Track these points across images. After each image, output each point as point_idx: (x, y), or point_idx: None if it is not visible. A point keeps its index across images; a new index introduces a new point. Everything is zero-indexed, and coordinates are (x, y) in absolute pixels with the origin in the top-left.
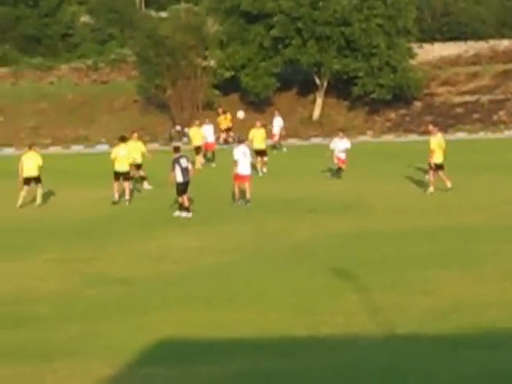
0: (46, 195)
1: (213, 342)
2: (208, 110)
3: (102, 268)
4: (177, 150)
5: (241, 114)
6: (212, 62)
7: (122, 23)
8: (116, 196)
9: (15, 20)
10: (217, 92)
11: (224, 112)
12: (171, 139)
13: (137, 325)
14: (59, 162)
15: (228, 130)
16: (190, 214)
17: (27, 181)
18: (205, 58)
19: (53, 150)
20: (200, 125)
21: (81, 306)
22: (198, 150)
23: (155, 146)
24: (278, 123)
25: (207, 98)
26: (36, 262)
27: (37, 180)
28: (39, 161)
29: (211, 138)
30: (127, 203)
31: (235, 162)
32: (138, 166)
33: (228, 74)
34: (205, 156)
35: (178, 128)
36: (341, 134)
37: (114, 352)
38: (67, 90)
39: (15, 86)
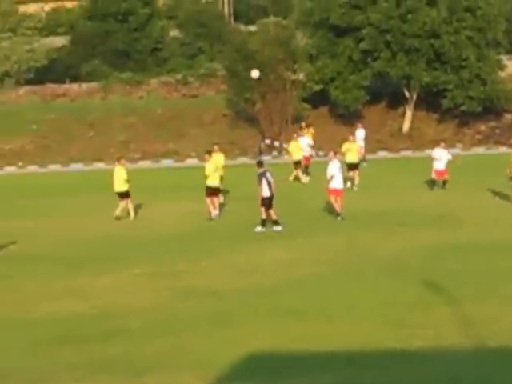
0: (137, 209)
1: (303, 355)
2: (298, 123)
3: (192, 281)
4: (260, 164)
5: (255, 74)
6: (301, 76)
7: (210, 37)
8: (215, 212)
9: (105, 35)
10: (306, 105)
11: (307, 126)
12: (260, 153)
13: (227, 338)
14: (149, 176)
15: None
16: (279, 228)
17: (119, 196)
18: (294, 71)
19: (143, 164)
20: (297, 138)
21: (171, 320)
22: (297, 164)
23: (244, 159)
24: (360, 135)
25: (296, 112)
26: (127, 276)
27: (125, 195)
28: (124, 175)
29: (306, 152)
30: (216, 217)
31: (331, 177)
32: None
33: (317, 88)
34: (305, 168)
35: (268, 142)
36: (443, 144)
37: (204, 365)
38: (156, 105)
39: (105, 101)
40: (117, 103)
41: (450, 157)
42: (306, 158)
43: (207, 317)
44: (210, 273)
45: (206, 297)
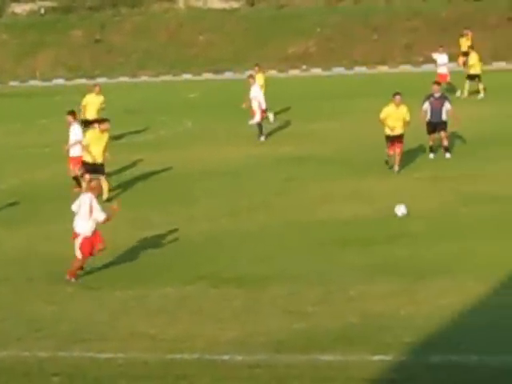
0: None
1: None
2: None
3: (477, 186)
4: None
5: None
6: None
7: None
8: None
9: None
10: None
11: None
12: None
13: (511, 244)
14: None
15: (467, 53)
16: None
17: None
18: None
19: (425, 67)
20: None
21: (455, 224)
22: None
23: None
24: None
25: None
26: (409, 180)
27: None
28: None
29: None
30: None
31: None
32: None
33: None
34: None
35: None
36: None
37: (487, 270)
38: (441, 8)
39: (389, 4)
40: (401, 6)
41: None
42: None
43: (491, 222)
44: (496, 178)
45: (489, 202)
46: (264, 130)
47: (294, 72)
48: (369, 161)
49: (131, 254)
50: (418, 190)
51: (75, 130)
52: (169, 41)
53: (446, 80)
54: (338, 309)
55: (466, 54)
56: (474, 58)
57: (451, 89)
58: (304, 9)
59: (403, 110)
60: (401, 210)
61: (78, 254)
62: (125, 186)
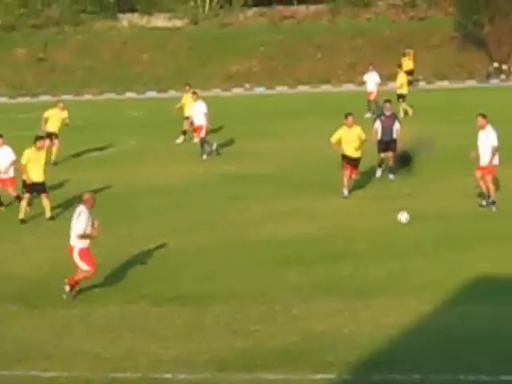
0: None
1: None
2: None
3: (419, 205)
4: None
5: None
6: None
7: None
8: None
9: None
10: None
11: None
12: (489, 76)
13: (453, 262)
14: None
15: (410, 72)
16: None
17: None
18: None
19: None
20: None
21: (398, 243)
22: None
23: (472, 82)
24: None
25: None
26: (353, 199)
27: None
28: None
29: None
30: None
31: None
32: None
33: None
34: None
35: (496, 65)
36: None
37: (429, 289)
38: (384, 27)
39: (332, 23)
40: (344, 25)
41: None
42: None
43: (433, 240)
44: (438, 196)
45: (431, 220)
46: (207, 148)
47: (238, 91)
48: (312, 179)
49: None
50: (361, 209)
51: (5, 152)
52: (112, 59)
53: (372, 98)
54: (281, 327)
55: (409, 73)
56: (402, 78)
57: (370, 108)
58: (247, 28)
59: (356, 130)
60: (404, 216)
61: (82, 266)
62: (67, 204)
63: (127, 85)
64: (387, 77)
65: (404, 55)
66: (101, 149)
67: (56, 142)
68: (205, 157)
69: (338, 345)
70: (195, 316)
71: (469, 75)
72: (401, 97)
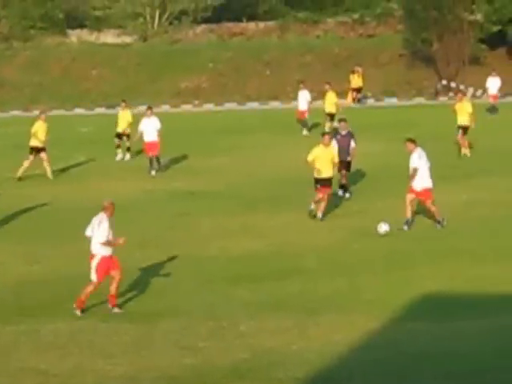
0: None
1: (479, 297)
2: (475, 64)
3: (367, 222)
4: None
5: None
6: (479, 16)
7: None
8: None
9: None
10: (483, 46)
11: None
12: (437, 94)
13: (402, 279)
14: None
15: (358, 89)
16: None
17: None
18: (471, 12)
19: (318, 103)
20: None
21: (346, 260)
22: None
23: (421, 100)
24: (494, 84)
25: (473, 53)
26: (301, 216)
27: None
28: None
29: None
30: None
31: None
32: None
33: (495, 29)
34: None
35: (444, 83)
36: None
37: (378, 306)
38: (333, 44)
39: (282, 40)
40: (293, 42)
41: None
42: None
43: (381, 257)
44: (386, 214)
45: (379, 237)
46: (155, 164)
47: (187, 107)
48: (261, 196)
49: (21, 289)
50: (309, 226)
51: None
52: (61, 75)
53: (302, 116)
54: (229, 344)
55: (356, 91)
56: (331, 97)
57: (302, 126)
58: (197, 44)
59: (333, 149)
60: (383, 227)
61: (92, 275)
62: (14, 220)
63: (76, 101)
64: (337, 94)
65: (353, 72)
66: (49, 165)
67: (44, 155)
68: (153, 173)
69: (286, 361)
70: (143, 332)
71: (417, 92)
72: (329, 115)
